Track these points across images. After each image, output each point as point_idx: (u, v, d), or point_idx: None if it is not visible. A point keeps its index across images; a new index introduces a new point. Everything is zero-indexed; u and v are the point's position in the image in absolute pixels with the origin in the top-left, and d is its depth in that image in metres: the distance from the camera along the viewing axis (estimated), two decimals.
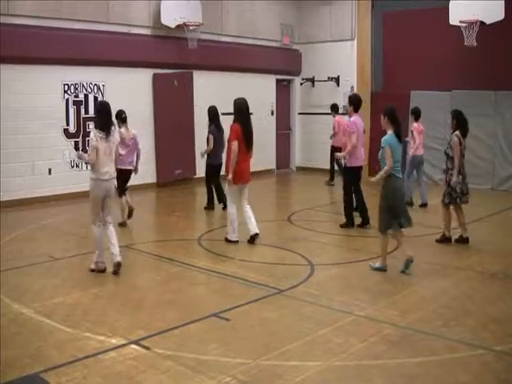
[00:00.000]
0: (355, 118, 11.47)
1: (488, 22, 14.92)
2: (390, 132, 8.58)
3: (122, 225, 11.56)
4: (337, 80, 19.53)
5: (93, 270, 8.65)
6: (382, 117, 8.70)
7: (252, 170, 18.21)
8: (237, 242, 10.21)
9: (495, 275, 8.41)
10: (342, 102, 18.48)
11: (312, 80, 20.22)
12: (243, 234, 10.34)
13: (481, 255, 9.56)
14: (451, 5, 15.43)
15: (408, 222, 8.61)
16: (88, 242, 10.41)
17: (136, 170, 11.63)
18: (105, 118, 8.46)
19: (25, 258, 9.29)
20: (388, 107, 8.81)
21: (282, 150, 20.68)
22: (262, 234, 10.94)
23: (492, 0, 14.77)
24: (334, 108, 17.31)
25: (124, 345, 6.00)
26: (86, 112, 14.96)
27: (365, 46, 18.78)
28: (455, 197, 10.10)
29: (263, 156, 19.58)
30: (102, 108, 8.63)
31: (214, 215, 12.84)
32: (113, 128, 8.54)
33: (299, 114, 20.83)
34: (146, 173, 16.14)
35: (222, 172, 11.35)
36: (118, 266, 8.47)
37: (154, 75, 16.38)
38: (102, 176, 8.39)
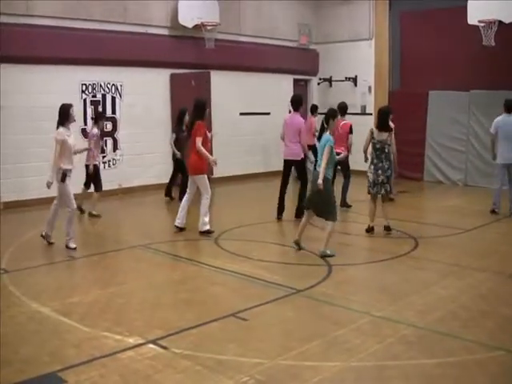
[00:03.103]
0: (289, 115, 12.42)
1: (507, 21, 14.78)
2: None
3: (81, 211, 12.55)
4: (354, 80, 19.48)
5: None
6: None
7: (267, 170, 18.53)
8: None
9: None
10: (360, 102, 18.51)
11: (329, 80, 20.18)
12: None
13: (498, 256, 9.49)
14: (469, 4, 15.29)
15: None
16: (106, 242, 10.50)
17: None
18: (67, 117, 9.69)
19: (43, 256, 9.36)
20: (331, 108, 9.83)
21: None
22: (278, 233, 10.98)
23: None
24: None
25: (141, 344, 6.01)
26: (104, 112, 15.03)
27: (382, 46, 18.71)
28: (367, 186, 10.82)
29: (278, 156, 19.58)
30: (65, 108, 9.77)
31: (230, 215, 12.84)
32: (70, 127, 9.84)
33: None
34: (161, 172, 16.20)
35: None
36: None
37: (172, 75, 16.43)
38: (68, 166, 9.62)
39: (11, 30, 12.94)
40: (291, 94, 19.97)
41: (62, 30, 13.92)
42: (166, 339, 6.13)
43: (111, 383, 5.20)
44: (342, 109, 13.01)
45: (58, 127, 9.62)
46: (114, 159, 15.28)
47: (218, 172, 16.19)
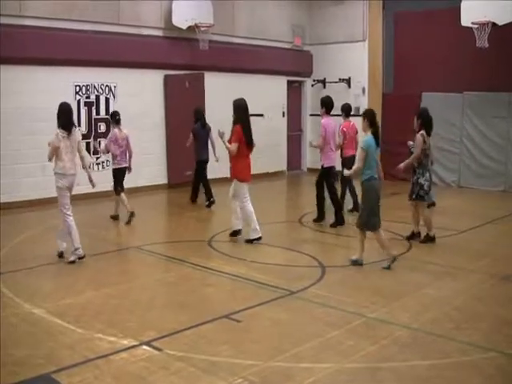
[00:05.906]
0: (325, 120, 11.71)
1: (500, 23, 14.78)
2: (368, 134, 8.76)
3: (114, 218, 12.25)
4: (348, 81, 19.48)
5: (73, 262, 9.06)
6: (362, 118, 8.89)
7: (263, 171, 18.55)
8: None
9: (508, 278, 8.34)
10: (353, 104, 18.46)
11: (323, 81, 20.18)
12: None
13: (493, 258, 9.49)
14: (463, 6, 15.30)
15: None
16: (99, 243, 10.46)
17: (129, 169, 12.37)
18: (67, 118, 9.14)
19: (36, 258, 9.32)
20: (369, 109, 9.15)
21: (293, 152, 20.66)
22: (273, 235, 10.95)
23: (504, 0, 14.66)
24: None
25: (135, 346, 6.00)
26: (98, 113, 15.03)
27: (376, 47, 18.72)
28: (419, 194, 10.22)
29: (274, 157, 19.60)
30: (64, 108, 9.30)
31: (223, 217, 12.83)
32: (74, 127, 9.19)
33: (310, 115, 20.79)
34: (157, 174, 16.20)
35: None
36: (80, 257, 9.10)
37: (166, 76, 16.41)
38: (66, 171, 9.04)
39: (3, 31, 12.87)
40: (285, 95, 20.04)
41: (55, 30, 13.86)
42: (160, 341, 6.12)
43: None
44: (348, 110, 12.75)
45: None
46: (107, 160, 15.24)
47: (210, 173, 16.18)
